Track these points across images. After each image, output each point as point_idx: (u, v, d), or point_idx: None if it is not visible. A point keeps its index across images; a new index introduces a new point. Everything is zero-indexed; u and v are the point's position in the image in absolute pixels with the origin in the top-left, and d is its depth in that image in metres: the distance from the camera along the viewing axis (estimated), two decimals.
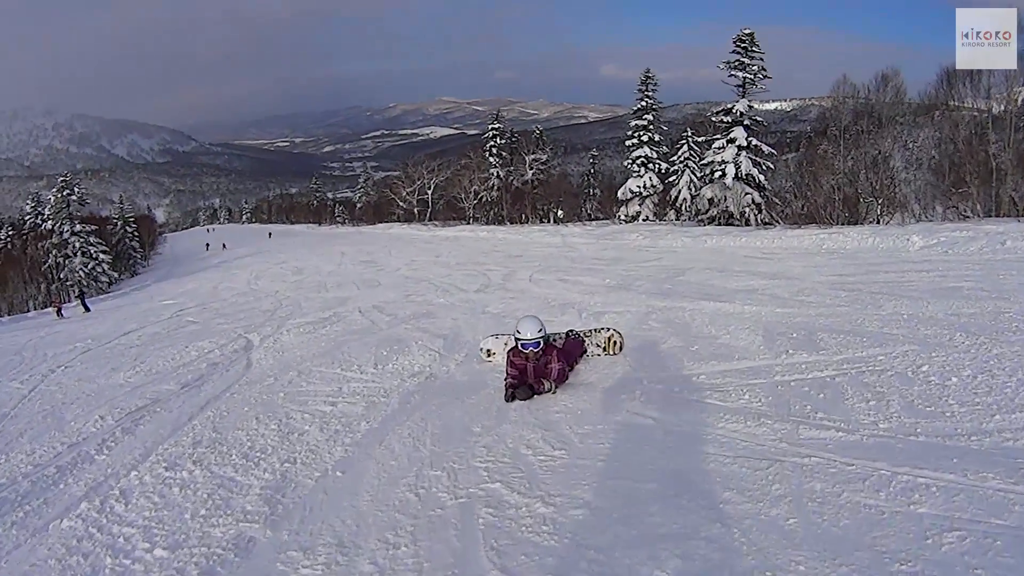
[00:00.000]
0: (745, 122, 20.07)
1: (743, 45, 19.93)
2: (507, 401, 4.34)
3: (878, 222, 17.13)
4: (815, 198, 18.89)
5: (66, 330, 13.25)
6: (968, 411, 3.37)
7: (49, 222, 35.25)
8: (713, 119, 21.66)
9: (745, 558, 2.28)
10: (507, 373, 4.52)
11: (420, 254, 20.17)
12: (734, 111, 20.09)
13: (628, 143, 27.26)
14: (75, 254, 33.90)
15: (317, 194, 73.25)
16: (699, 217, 21.83)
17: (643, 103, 26.75)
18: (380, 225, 43.78)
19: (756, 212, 20.19)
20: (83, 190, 38.51)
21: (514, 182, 34.86)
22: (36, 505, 3.56)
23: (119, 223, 45.23)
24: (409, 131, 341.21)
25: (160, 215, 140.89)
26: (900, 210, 18.14)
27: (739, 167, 19.91)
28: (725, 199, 20.36)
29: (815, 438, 3.22)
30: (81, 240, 34.19)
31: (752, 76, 19.99)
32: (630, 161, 27.14)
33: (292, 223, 73.21)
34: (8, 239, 39.69)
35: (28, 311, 28.11)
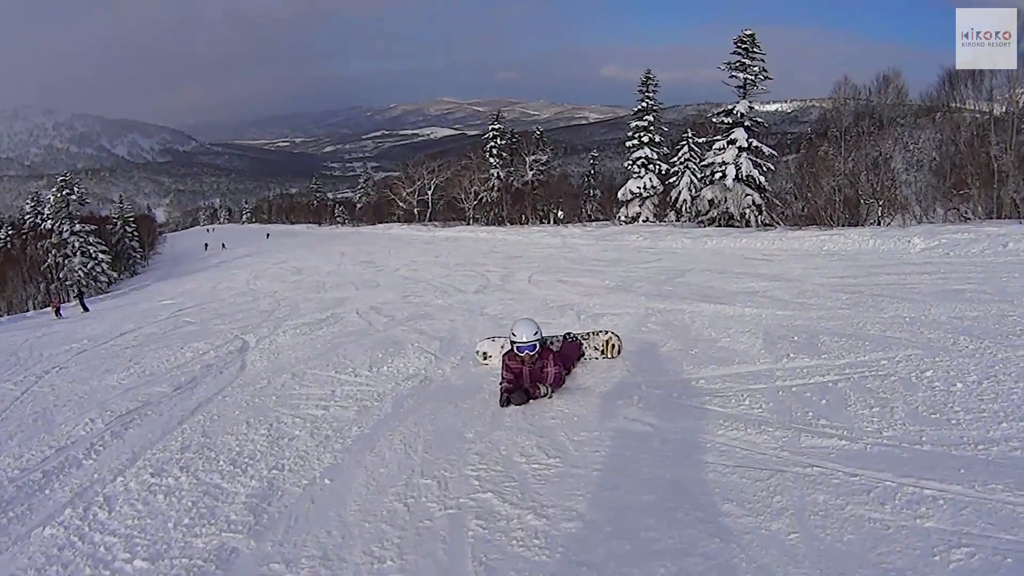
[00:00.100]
0: (746, 123, 19.99)
1: (744, 46, 19.85)
2: (502, 406, 4.25)
3: (879, 224, 17.05)
4: (816, 199, 18.82)
5: (63, 330, 13.17)
6: (974, 418, 3.28)
7: (48, 222, 35.20)
8: (714, 120, 21.58)
9: None
10: (502, 377, 4.43)
11: (419, 255, 20.10)
12: (735, 112, 20.01)
13: (628, 144, 27.18)
14: (74, 254, 33.85)
15: (317, 194, 73.22)
16: (699, 218, 21.75)
17: (644, 104, 26.68)
18: (380, 225, 43.73)
19: (756, 213, 20.11)
20: (83, 190, 38.46)
21: (514, 183, 34.79)
22: (20, 511, 3.48)
23: (119, 223, 45.17)
24: (409, 131, 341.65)
25: (160, 215, 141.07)
26: (901, 212, 18.05)
27: (739, 168, 19.83)
28: (725, 200, 20.28)
29: (817, 447, 3.13)
30: (80, 240, 34.13)
31: (753, 77, 19.91)
32: (630, 162, 27.06)
33: (292, 223, 73.20)
34: (7, 238, 39.66)
35: (27, 311, 28.03)
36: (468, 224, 34.85)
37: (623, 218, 27.14)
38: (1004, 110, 16.00)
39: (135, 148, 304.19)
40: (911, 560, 2.18)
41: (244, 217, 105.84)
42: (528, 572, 2.35)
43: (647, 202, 26.83)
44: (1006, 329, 4.89)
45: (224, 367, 6.63)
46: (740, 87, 20.04)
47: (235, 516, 3.06)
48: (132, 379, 6.61)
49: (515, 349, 4.39)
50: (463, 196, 36.03)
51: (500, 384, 4.42)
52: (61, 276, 33.67)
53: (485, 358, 5.48)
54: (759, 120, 20.78)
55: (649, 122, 26.65)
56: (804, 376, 4.25)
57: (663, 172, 26.89)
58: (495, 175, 35.15)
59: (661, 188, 26.67)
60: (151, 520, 3.15)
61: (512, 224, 32.97)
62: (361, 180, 59.97)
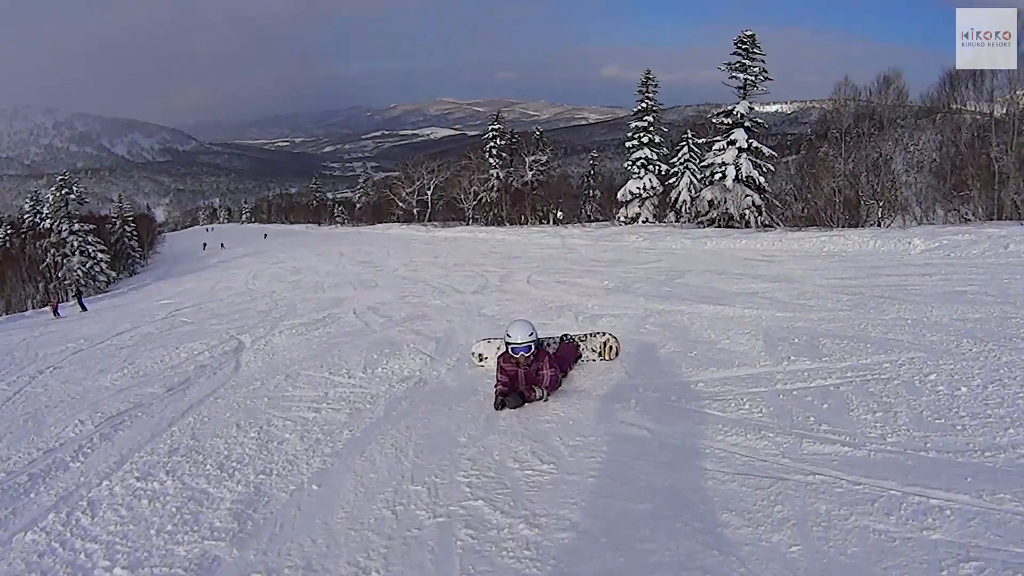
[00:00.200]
0: (746, 124, 19.91)
1: (744, 46, 19.77)
2: (496, 409, 4.17)
3: (879, 225, 16.99)
4: (815, 200, 18.76)
5: (60, 329, 13.10)
6: (980, 424, 3.19)
7: (47, 221, 35.11)
8: (713, 121, 21.49)
9: None
10: (497, 379, 4.35)
11: (418, 255, 20.03)
12: (735, 113, 19.93)
13: (628, 144, 27.09)
14: (73, 253, 33.74)
15: (317, 194, 73.14)
16: (699, 219, 21.67)
17: (643, 104, 26.60)
18: (379, 225, 43.66)
19: (756, 214, 20.03)
20: (82, 189, 38.34)
21: (514, 183, 34.71)
22: (3, 516, 3.41)
23: (118, 222, 45.02)
24: (409, 131, 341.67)
25: (160, 214, 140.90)
26: (901, 213, 17.99)
27: (739, 169, 19.75)
28: (725, 201, 20.20)
29: (819, 453, 3.04)
30: (79, 239, 34.02)
31: (753, 78, 19.83)
32: (630, 163, 26.99)
33: (291, 223, 73.13)
34: (6, 238, 39.56)
35: (26, 310, 27.94)
36: (467, 224, 34.78)
37: (622, 219, 27.06)
38: (1005, 111, 15.93)
39: (135, 147, 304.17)
40: (918, 575, 2.09)
41: (244, 217, 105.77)
42: None
43: (647, 203, 26.75)
44: (1009, 332, 4.81)
45: (218, 368, 6.56)
46: (740, 88, 19.96)
47: (219, 523, 2.98)
48: (125, 380, 6.54)
49: (510, 350, 4.31)
50: (462, 196, 35.96)
51: (495, 387, 4.33)
52: (60, 275, 33.57)
53: (481, 360, 5.41)
54: (759, 121, 20.71)
55: (649, 123, 26.57)
56: (805, 379, 4.17)
57: (663, 173, 26.82)
58: (495, 175, 35.08)
59: (661, 189, 26.59)
60: (134, 526, 3.07)
61: (511, 224, 32.89)
62: (361, 180, 59.95)
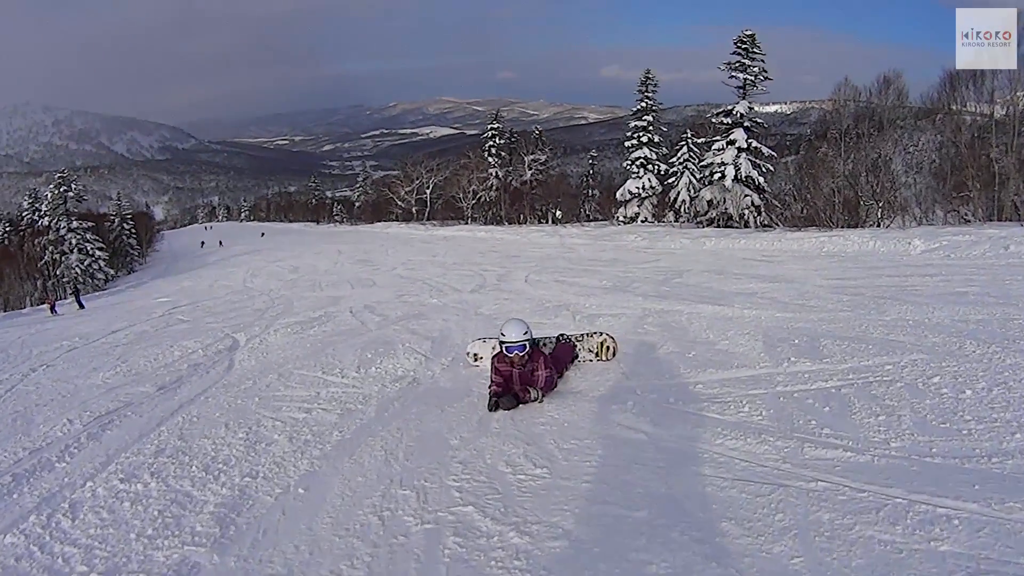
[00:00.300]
0: (745, 124, 19.84)
1: (744, 46, 19.70)
2: (490, 410, 4.07)
3: (878, 225, 16.92)
4: (815, 201, 18.68)
5: (56, 327, 13.00)
6: (986, 428, 3.10)
7: (46, 218, 34.97)
8: (713, 121, 21.43)
9: None
10: (491, 380, 4.26)
11: (417, 254, 19.95)
12: (734, 113, 19.86)
13: (627, 144, 27.01)
14: (71, 251, 33.63)
15: (316, 193, 73.10)
16: (698, 219, 21.60)
17: (643, 104, 26.51)
18: (378, 224, 43.60)
19: (755, 214, 19.97)
20: (81, 187, 38.17)
21: (513, 182, 34.63)
22: None
23: (117, 220, 44.87)
24: (409, 130, 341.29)
25: (159, 212, 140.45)
26: (901, 213, 17.92)
27: (739, 169, 19.68)
28: (724, 201, 20.13)
29: (822, 458, 2.95)
30: (78, 237, 33.91)
31: (753, 78, 19.76)
32: (629, 162, 26.90)
33: (290, 222, 73.03)
34: (5, 235, 39.42)
35: (24, 308, 27.82)
36: (466, 223, 34.72)
37: (622, 218, 26.99)
38: (1005, 112, 15.88)
39: (134, 145, 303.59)
40: None
41: (243, 215, 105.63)
42: None
43: (646, 202, 26.68)
44: (1013, 334, 4.73)
45: (211, 366, 6.46)
46: (740, 88, 19.89)
47: (200, 527, 2.88)
48: (117, 378, 6.44)
49: (504, 349, 4.22)
50: (461, 195, 35.88)
51: (489, 387, 4.24)
52: (58, 273, 33.45)
53: (476, 359, 5.32)
54: (759, 121, 20.64)
55: (648, 122, 26.49)
56: (806, 381, 4.08)
57: (662, 172, 26.74)
58: (494, 174, 34.99)
59: (660, 188, 26.52)
60: (114, 530, 2.97)
61: (510, 224, 32.82)
62: (360, 179, 59.92)
